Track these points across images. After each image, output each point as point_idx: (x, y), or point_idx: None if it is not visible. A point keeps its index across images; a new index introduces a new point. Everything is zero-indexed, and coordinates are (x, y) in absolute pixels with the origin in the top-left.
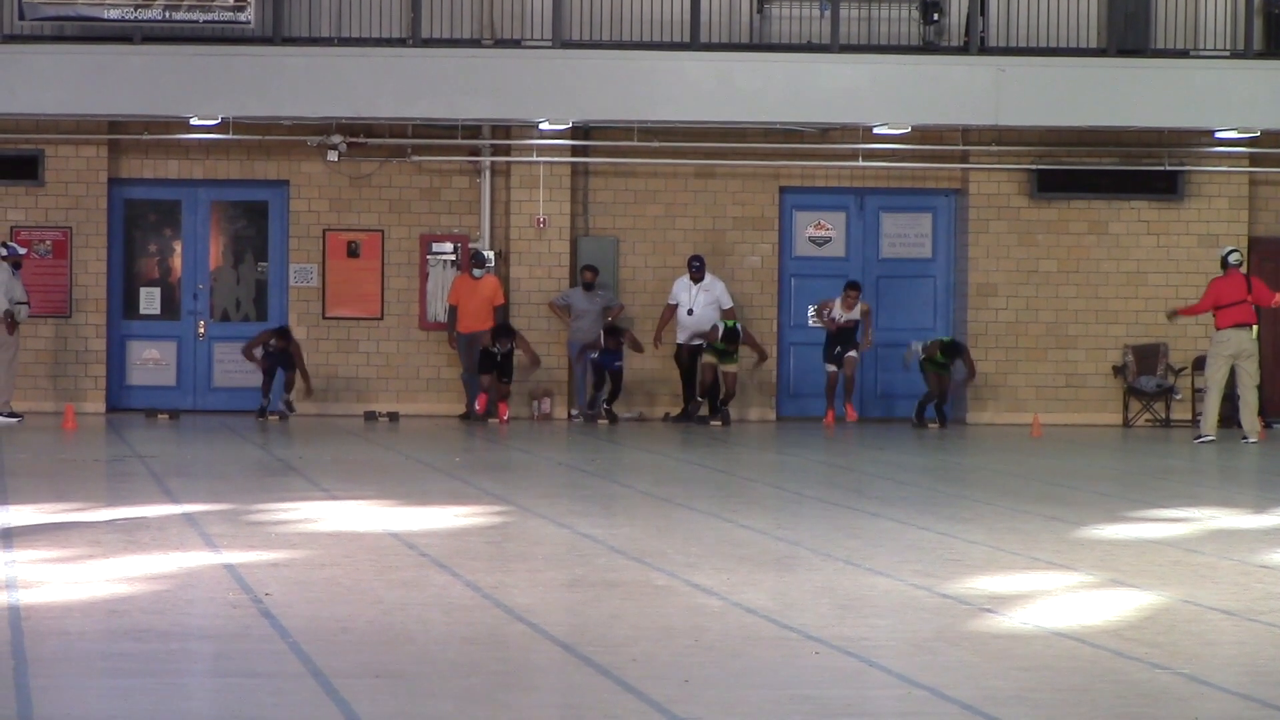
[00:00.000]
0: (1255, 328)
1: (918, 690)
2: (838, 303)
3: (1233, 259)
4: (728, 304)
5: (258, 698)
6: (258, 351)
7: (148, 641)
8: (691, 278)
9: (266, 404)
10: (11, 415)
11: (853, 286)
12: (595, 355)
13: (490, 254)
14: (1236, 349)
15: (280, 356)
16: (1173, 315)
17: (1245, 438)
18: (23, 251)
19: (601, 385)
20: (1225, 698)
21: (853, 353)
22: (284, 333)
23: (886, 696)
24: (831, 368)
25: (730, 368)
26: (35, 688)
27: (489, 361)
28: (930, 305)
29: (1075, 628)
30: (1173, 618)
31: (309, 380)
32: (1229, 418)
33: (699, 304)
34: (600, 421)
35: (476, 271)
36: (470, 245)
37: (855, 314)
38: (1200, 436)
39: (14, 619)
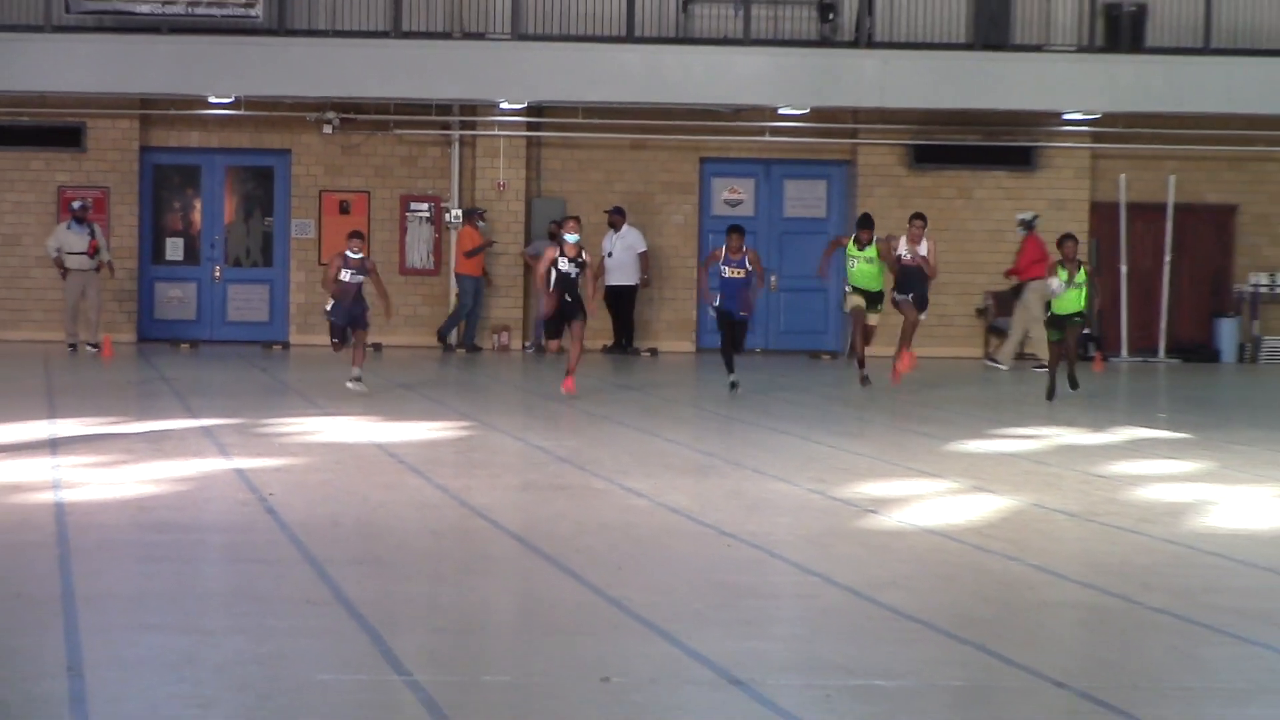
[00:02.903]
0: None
1: (811, 576)
2: (902, 240)
3: (1036, 223)
4: (642, 248)
5: (261, 580)
6: (346, 274)
7: (170, 533)
8: (611, 225)
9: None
10: (72, 346)
11: (918, 216)
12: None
13: (481, 211)
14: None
15: (355, 309)
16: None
17: (994, 360)
18: (83, 204)
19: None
20: (1068, 584)
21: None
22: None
23: (785, 582)
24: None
25: (875, 319)
26: (76, 571)
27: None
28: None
29: (943, 526)
30: (1025, 518)
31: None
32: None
33: (617, 249)
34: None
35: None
36: (464, 207)
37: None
38: (993, 361)
39: (59, 514)
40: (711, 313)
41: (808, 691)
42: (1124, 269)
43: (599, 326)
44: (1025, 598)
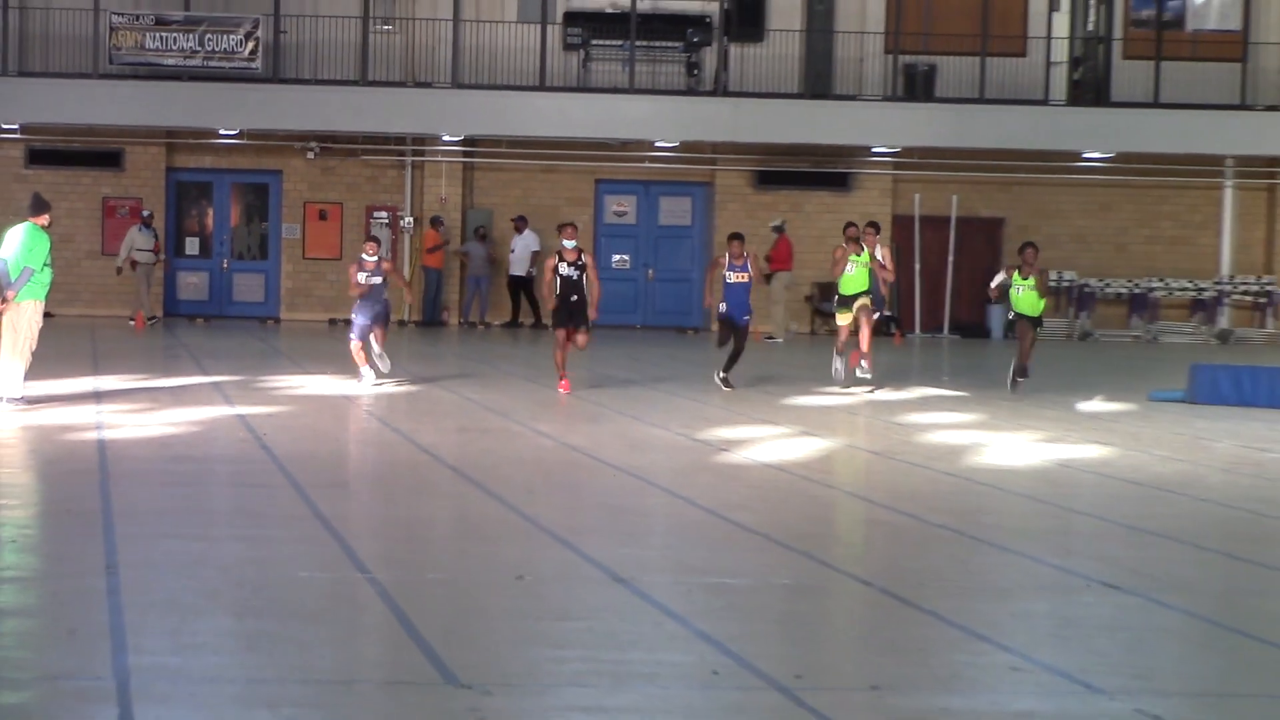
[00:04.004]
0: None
1: (678, 499)
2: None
3: (785, 226)
4: (536, 248)
5: (256, 499)
6: (361, 276)
7: (185, 464)
8: (515, 229)
9: (367, 368)
10: (143, 320)
11: (872, 225)
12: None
13: (441, 219)
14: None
15: (377, 307)
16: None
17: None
18: (149, 214)
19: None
20: (873, 507)
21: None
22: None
23: (658, 503)
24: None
25: (846, 317)
26: (114, 491)
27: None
28: (690, 257)
29: (779, 461)
30: (841, 457)
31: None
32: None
33: (518, 247)
34: (480, 327)
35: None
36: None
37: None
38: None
39: (100, 448)
40: (722, 308)
41: (674, 587)
42: (917, 266)
43: (499, 302)
44: (840, 516)
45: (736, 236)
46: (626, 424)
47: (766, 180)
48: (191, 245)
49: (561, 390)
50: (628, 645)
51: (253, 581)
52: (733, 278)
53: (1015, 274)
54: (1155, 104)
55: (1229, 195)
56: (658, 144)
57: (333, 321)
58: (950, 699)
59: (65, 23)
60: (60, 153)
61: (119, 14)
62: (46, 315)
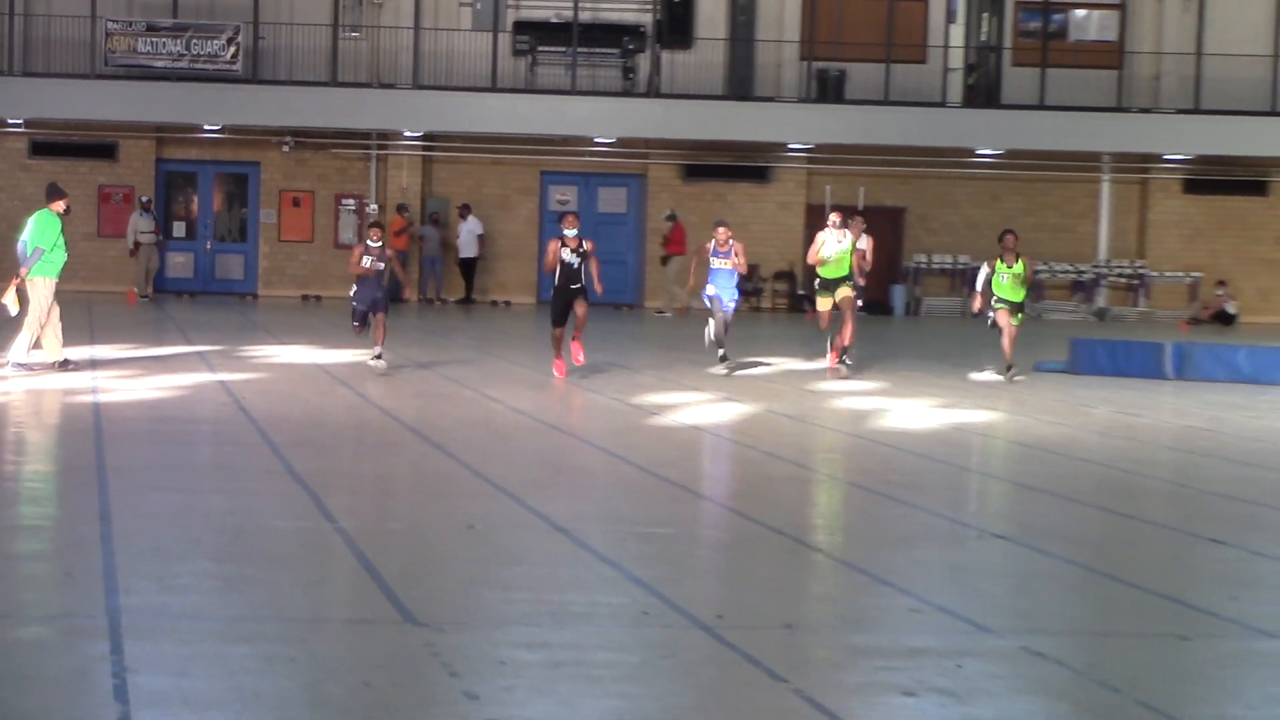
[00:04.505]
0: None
1: (613, 457)
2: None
3: (678, 215)
4: (480, 232)
5: (234, 454)
6: (366, 261)
7: (172, 424)
8: (461, 216)
9: (381, 349)
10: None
11: (858, 214)
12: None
13: (405, 205)
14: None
15: (376, 294)
16: (664, 260)
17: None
18: (147, 200)
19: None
20: (788, 465)
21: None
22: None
23: (595, 460)
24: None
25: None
26: (107, 448)
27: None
28: (625, 241)
29: (704, 424)
30: (759, 420)
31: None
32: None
33: (463, 232)
34: (436, 302)
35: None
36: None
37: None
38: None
39: (95, 409)
40: (706, 301)
41: (609, 536)
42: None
43: (452, 280)
44: (758, 473)
45: (722, 223)
46: (568, 390)
47: (694, 173)
48: (178, 229)
49: (556, 373)
50: (567, 588)
51: (231, 530)
52: (717, 263)
53: (999, 262)
54: (1041, 106)
55: (1105, 188)
56: (597, 140)
57: (305, 297)
58: (856, 637)
59: (65, 28)
60: (60, 145)
61: (114, 21)
62: None
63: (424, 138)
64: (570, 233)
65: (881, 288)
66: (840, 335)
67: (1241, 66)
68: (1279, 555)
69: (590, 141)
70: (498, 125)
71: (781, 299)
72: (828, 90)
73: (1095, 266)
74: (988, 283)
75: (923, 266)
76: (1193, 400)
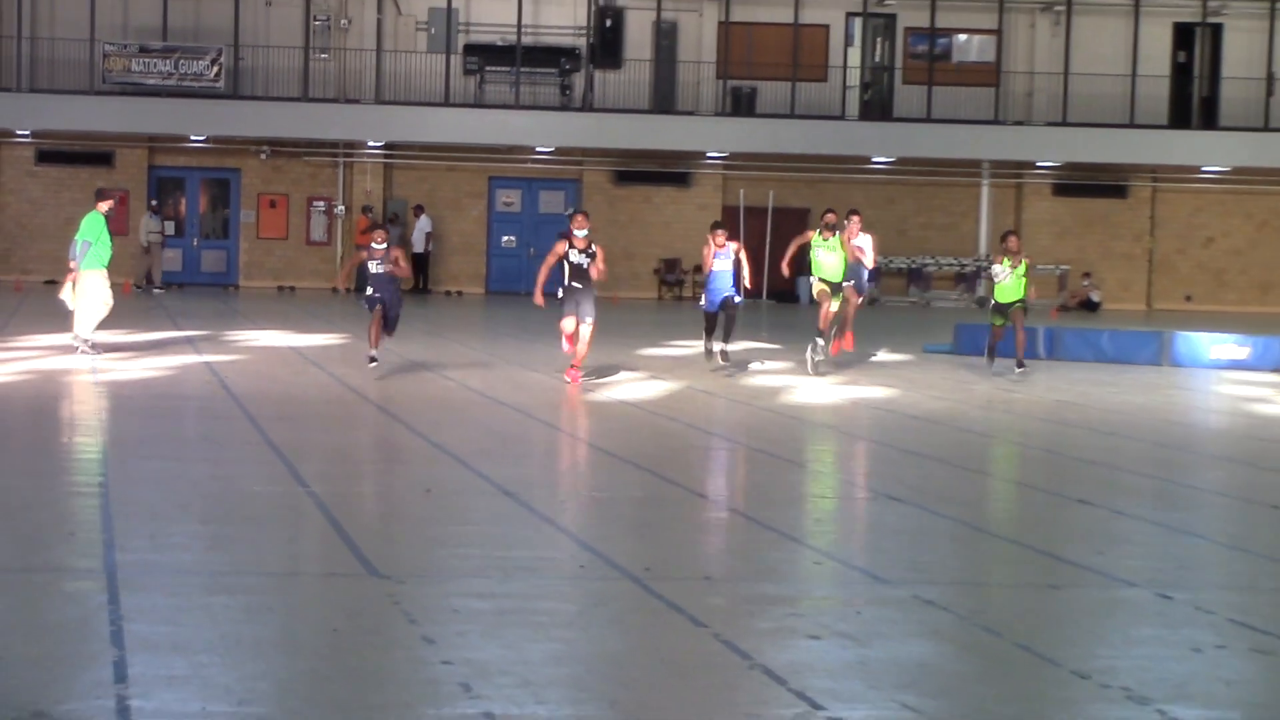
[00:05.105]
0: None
1: (554, 430)
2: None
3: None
4: (429, 229)
5: (218, 426)
6: (372, 265)
7: (164, 401)
8: (414, 215)
9: (374, 352)
10: (157, 288)
11: (855, 212)
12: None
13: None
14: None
15: (389, 298)
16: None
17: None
18: (157, 203)
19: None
20: (708, 435)
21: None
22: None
23: (537, 433)
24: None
25: (836, 304)
26: (105, 416)
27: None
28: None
29: (635, 399)
30: (682, 396)
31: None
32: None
33: (416, 229)
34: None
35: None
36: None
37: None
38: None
39: (93, 387)
40: (702, 303)
41: (549, 498)
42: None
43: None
44: (681, 443)
45: (719, 225)
46: (513, 370)
47: (623, 178)
48: (169, 227)
49: (569, 379)
50: (513, 545)
51: (216, 494)
52: (716, 265)
53: (1004, 260)
54: (928, 119)
55: (985, 191)
56: (537, 149)
57: (281, 288)
58: (767, 587)
59: (67, 50)
60: (63, 153)
61: (111, 43)
62: (49, 282)
63: (385, 147)
64: (581, 233)
65: (789, 280)
66: (833, 325)
67: (1103, 84)
68: (1139, 514)
69: (532, 150)
70: (450, 136)
71: (700, 289)
72: (740, 105)
73: (976, 260)
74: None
75: None
76: (1062, 378)
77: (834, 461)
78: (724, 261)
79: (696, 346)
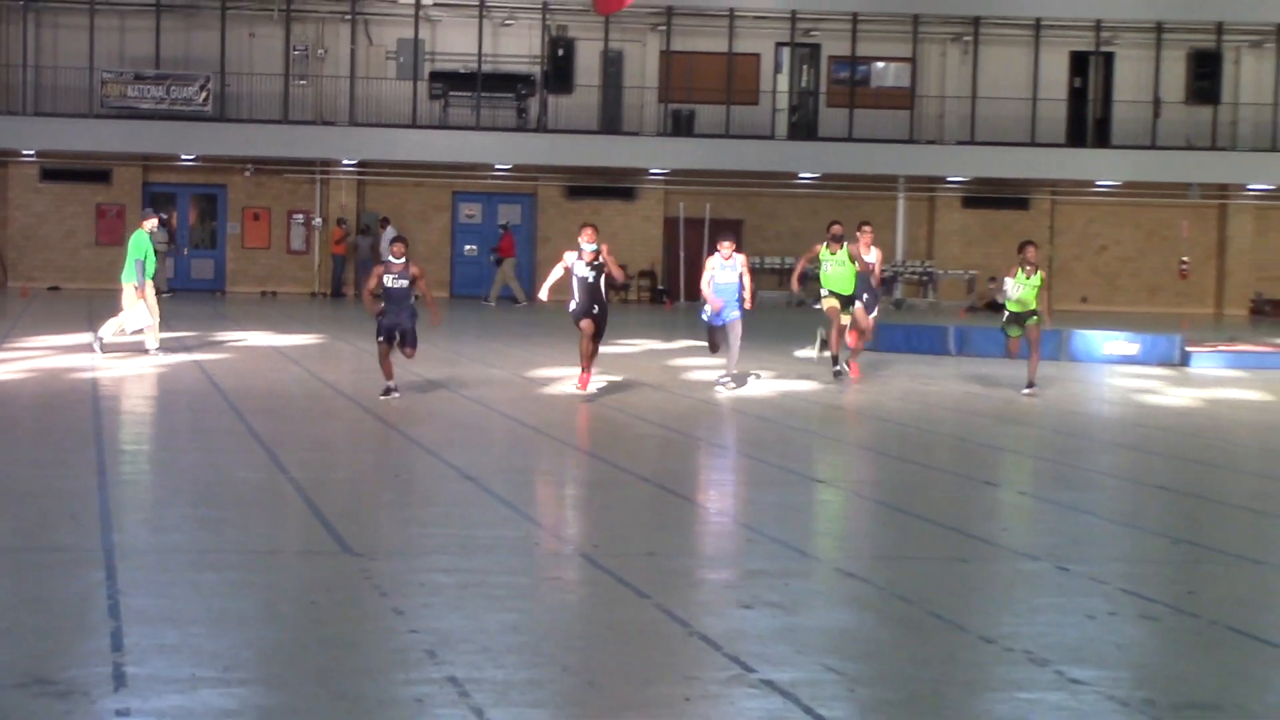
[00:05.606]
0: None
1: (510, 420)
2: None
3: (510, 224)
4: (393, 235)
5: (206, 416)
6: (388, 279)
7: (156, 395)
8: (380, 226)
9: (392, 384)
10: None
11: (866, 224)
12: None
13: (346, 219)
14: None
15: (403, 317)
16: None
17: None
18: (165, 216)
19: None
20: (648, 424)
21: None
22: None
23: (495, 424)
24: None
25: (846, 318)
26: (103, 414)
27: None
28: (520, 247)
29: (579, 394)
30: (626, 388)
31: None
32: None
33: (383, 240)
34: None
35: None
36: (342, 218)
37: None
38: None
39: (93, 385)
40: (704, 316)
41: (507, 482)
42: (682, 254)
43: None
44: (624, 431)
45: (727, 236)
46: (475, 367)
47: (574, 192)
48: (162, 238)
49: (579, 387)
50: (474, 524)
51: (203, 479)
52: (720, 278)
53: (1019, 272)
54: (849, 139)
55: (901, 204)
56: (496, 166)
57: (264, 293)
58: (704, 561)
59: (68, 77)
60: (65, 171)
61: (108, 71)
62: (53, 289)
63: (358, 165)
64: (589, 246)
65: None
66: (844, 342)
67: (1007, 107)
68: (1040, 495)
69: (491, 167)
70: (417, 154)
71: (645, 292)
72: (680, 126)
73: (894, 266)
74: (999, 289)
75: (756, 266)
76: (970, 372)
77: (765, 448)
78: (729, 274)
79: (641, 345)
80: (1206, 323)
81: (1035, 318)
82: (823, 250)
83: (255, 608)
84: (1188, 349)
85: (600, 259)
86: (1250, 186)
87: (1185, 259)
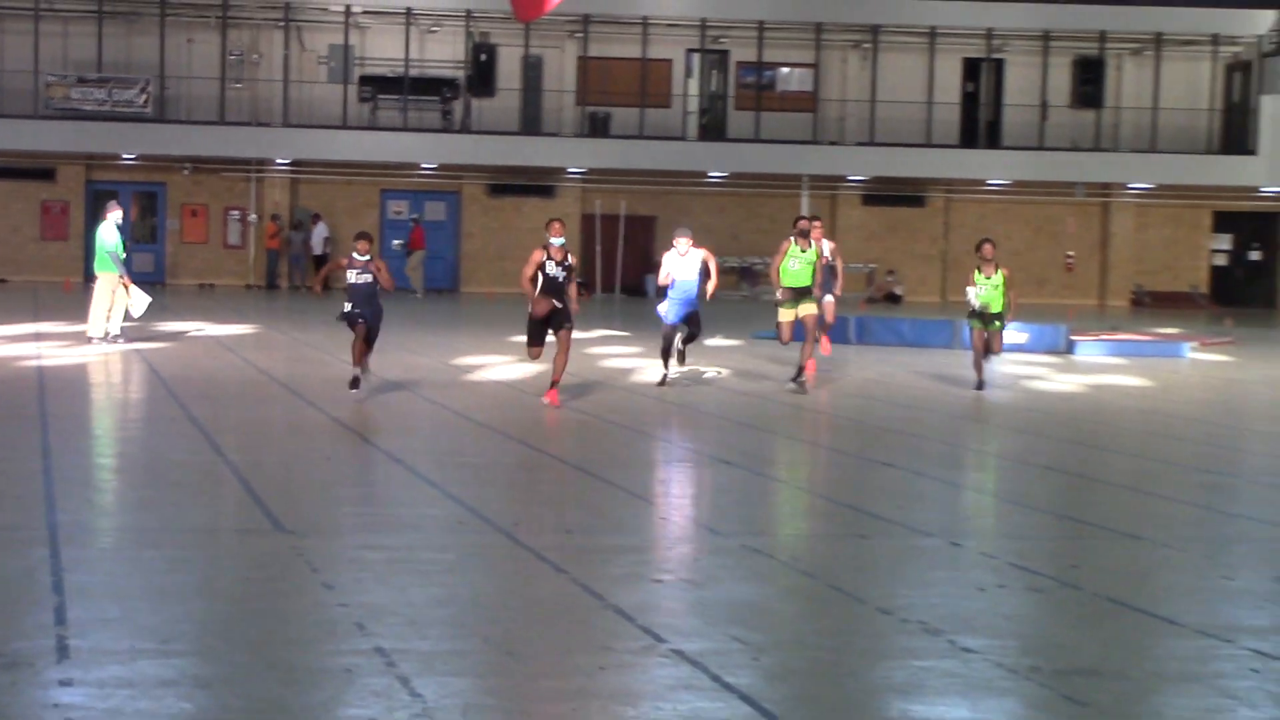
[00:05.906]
0: (416, 252)
1: (437, 406)
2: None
3: (421, 218)
4: (327, 234)
5: (146, 406)
6: (351, 274)
7: (103, 384)
8: (312, 222)
9: (359, 371)
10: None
11: (816, 218)
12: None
13: (292, 214)
14: (421, 259)
15: (367, 311)
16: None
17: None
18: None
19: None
20: (571, 413)
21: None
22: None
23: (422, 407)
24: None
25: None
26: (49, 400)
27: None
28: (445, 242)
29: (505, 379)
30: (547, 377)
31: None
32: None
33: (315, 235)
34: (301, 289)
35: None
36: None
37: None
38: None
39: (39, 373)
40: (662, 312)
41: (433, 464)
42: (599, 249)
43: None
44: (545, 416)
45: (682, 230)
46: (402, 355)
47: (497, 190)
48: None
49: (548, 400)
50: (401, 504)
51: (144, 460)
52: (680, 274)
53: (976, 273)
54: (756, 140)
55: (805, 201)
56: (423, 165)
57: (201, 286)
58: (618, 538)
59: (14, 80)
60: (11, 169)
61: (52, 74)
62: (0, 281)
63: (292, 164)
64: (557, 241)
65: (638, 277)
66: (804, 348)
67: (904, 110)
68: (934, 475)
69: (418, 167)
70: (347, 154)
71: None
72: (597, 127)
73: None
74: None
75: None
76: (870, 360)
77: (676, 431)
78: (689, 270)
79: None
80: (1090, 313)
81: (998, 323)
82: (792, 247)
83: (193, 583)
84: (1073, 338)
85: (568, 259)
86: (1131, 185)
87: (1071, 253)
